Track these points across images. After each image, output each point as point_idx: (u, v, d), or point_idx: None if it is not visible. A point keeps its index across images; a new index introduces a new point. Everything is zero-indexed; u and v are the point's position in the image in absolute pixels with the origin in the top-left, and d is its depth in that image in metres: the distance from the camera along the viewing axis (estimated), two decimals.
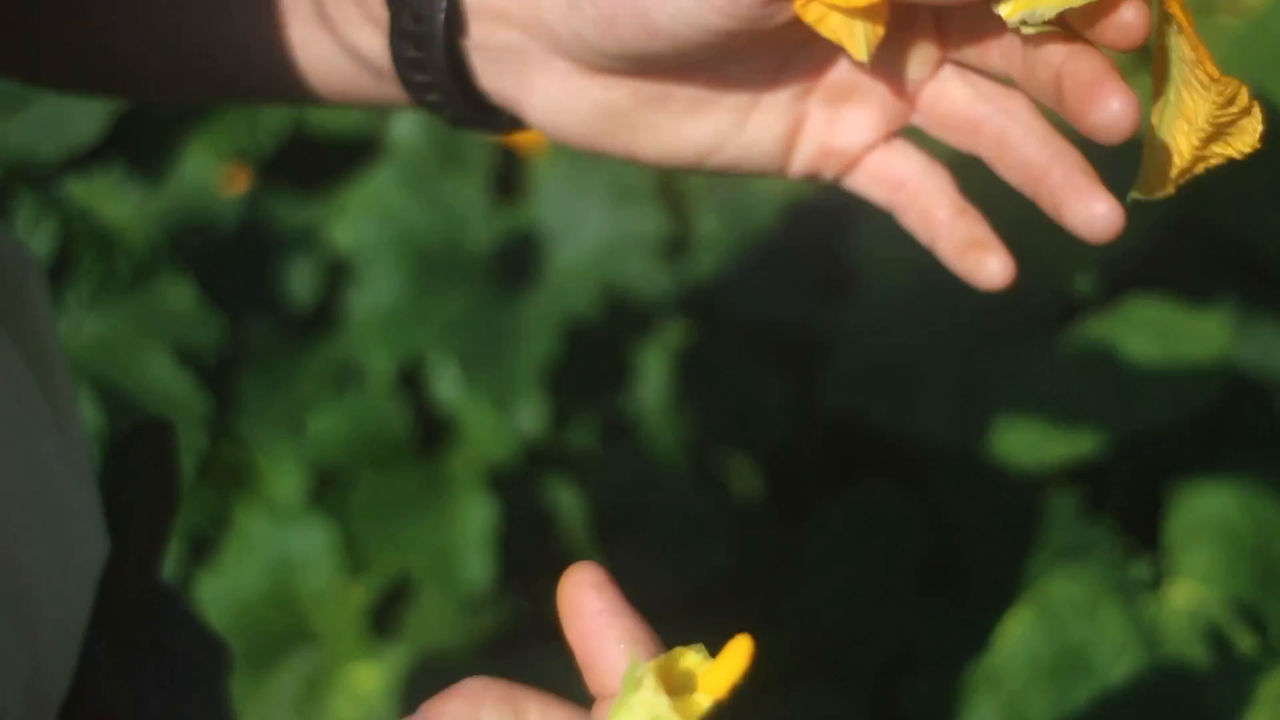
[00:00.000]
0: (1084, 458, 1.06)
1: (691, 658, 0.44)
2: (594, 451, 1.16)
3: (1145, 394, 1.02)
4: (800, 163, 0.56)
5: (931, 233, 0.55)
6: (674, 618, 0.97)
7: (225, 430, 1.11)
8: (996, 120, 0.54)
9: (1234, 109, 0.47)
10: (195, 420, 1.07)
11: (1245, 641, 0.92)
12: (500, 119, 0.57)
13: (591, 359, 1.14)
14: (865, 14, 0.50)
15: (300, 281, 1.20)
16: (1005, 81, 0.54)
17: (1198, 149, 0.49)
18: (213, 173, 1.30)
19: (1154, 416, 0.99)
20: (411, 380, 1.13)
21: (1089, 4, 0.47)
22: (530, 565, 1.10)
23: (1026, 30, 0.49)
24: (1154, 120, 0.50)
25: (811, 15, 0.51)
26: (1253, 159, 1.36)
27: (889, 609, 1.07)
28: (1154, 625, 0.90)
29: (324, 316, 1.18)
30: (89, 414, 1.06)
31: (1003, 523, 1.07)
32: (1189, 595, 0.92)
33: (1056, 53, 0.50)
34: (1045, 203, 0.53)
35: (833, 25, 0.51)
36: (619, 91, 0.55)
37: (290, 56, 0.58)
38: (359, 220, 1.18)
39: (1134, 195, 0.51)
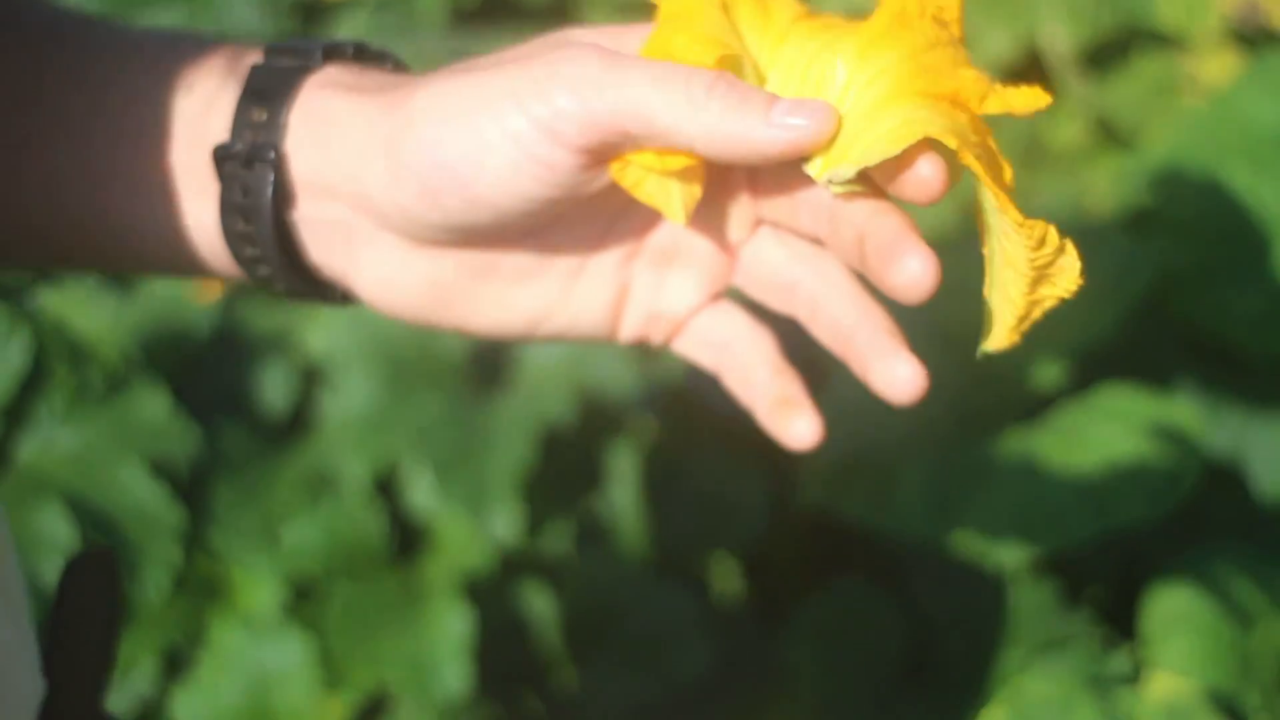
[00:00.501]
0: (1059, 551, 1.06)
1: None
2: (569, 556, 1.15)
3: (1119, 489, 1.02)
4: (629, 329, 0.57)
5: (749, 393, 0.56)
6: None
7: (199, 542, 1.11)
8: (809, 282, 0.55)
9: (1048, 250, 0.48)
10: (169, 534, 1.06)
11: None
12: (333, 292, 0.57)
13: (565, 462, 1.14)
14: (680, 176, 0.51)
15: (274, 389, 1.20)
16: (817, 242, 0.55)
17: (1028, 295, 0.50)
18: (185, 281, 1.30)
19: (1128, 514, 0.99)
20: (386, 488, 1.13)
21: (888, 160, 0.49)
22: (507, 672, 1.10)
23: (835, 189, 0.51)
24: (988, 272, 0.52)
25: (628, 180, 0.52)
26: (1216, 244, 1.37)
27: (867, 709, 1.07)
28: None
29: (298, 423, 1.18)
30: (60, 530, 1.05)
31: (980, 617, 1.07)
32: (1166, 688, 0.92)
33: (859, 212, 0.51)
34: (853, 363, 0.54)
35: (649, 189, 0.52)
36: (446, 264, 0.56)
37: (127, 228, 0.58)
38: (332, 326, 1.19)
39: (983, 348, 0.52)
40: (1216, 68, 1.55)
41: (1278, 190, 1.23)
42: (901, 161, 0.49)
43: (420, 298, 0.56)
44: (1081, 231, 1.25)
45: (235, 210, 0.54)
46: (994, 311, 0.51)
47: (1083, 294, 1.27)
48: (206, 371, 1.21)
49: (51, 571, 1.04)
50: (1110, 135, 1.53)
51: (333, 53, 0.56)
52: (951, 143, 0.48)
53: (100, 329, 1.21)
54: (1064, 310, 1.23)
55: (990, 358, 0.52)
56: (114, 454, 1.10)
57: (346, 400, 1.15)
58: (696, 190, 0.52)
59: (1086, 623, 1.03)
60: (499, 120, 0.50)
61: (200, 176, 0.55)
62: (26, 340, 1.13)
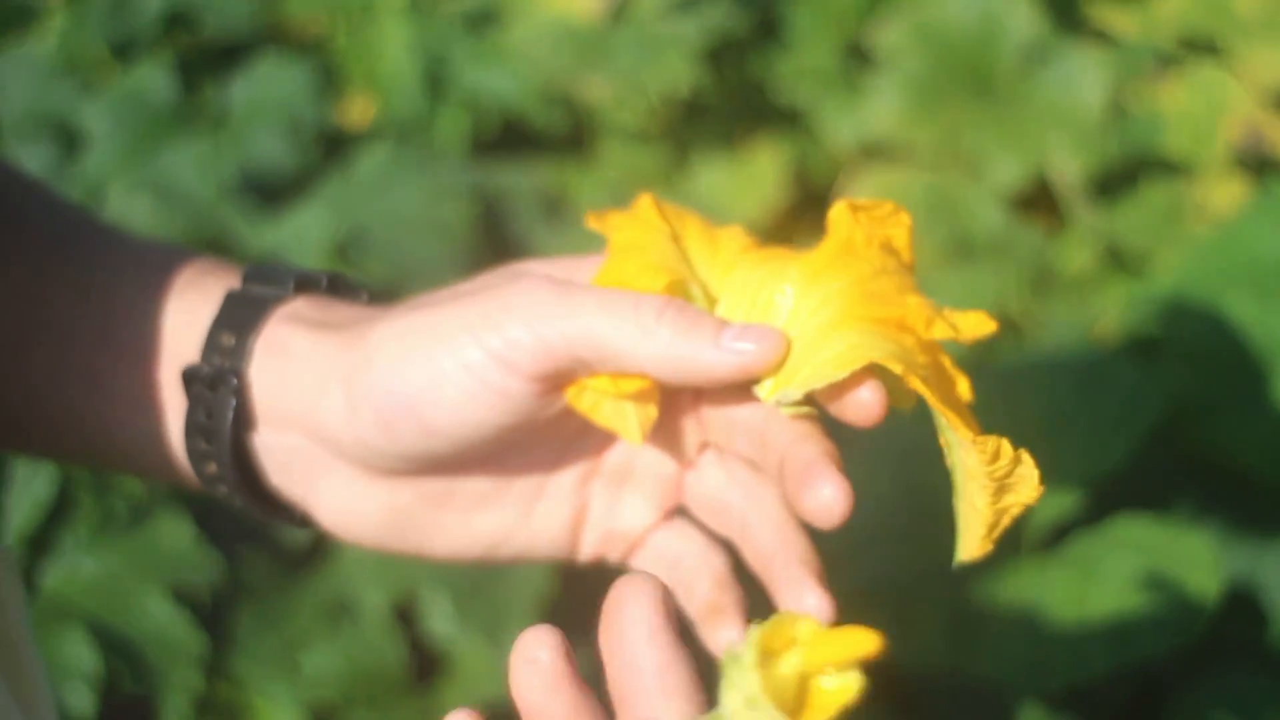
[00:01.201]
0: (1079, 681, 1.06)
1: (803, 627, 0.41)
2: (590, 681, 1.16)
3: (1135, 623, 1.03)
4: (587, 548, 0.58)
5: (689, 604, 0.57)
6: None
7: (221, 669, 1.12)
8: (740, 506, 0.56)
9: (1003, 463, 0.49)
10: (191, 660, 1.07)
11: None
12: (293, 515, 0.58)
13: (586, 589, 1.15)
14: (636, 398, 0.52)
15: None
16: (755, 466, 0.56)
17: (992, 505, 0.50)
18: None
19: (1144, 648, 1.00)
20: (405, 614, 1.13)
21: (831, 384, 0.50)
22: None
23: (785, 410, 0.52)
24: (954, 484, 0.53)
25: (584, 404, 0.53)
26: (1224, 372, 1.38)
27: None
28: None
29: (318, 552, 1.19)
30: (84, 656, 1.06)
31: None
32: None
33: (784, 437, 0.52)
34: (771, 589, 0.55)
35: (606, 413, 0.53)
36: (404, 493, 0.56)
37: (102, 432, 0.59)
38: None
39: (958, 560, 0.53)
40: (1223, 195, 1.57)
41: None
42: (845, 385, 0.50)
43: (379, 525, 0.57)
44: (1091, 362, 1.27)
45: (198, 430, 0.56)
46: (963, 522, 0.52)
47: (1093, 424, 1.29)
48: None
49: (76, 697, 1.04)
50: (1119, 262, 1.55)
51: (306, 283, 0.58)
52: (897, 368, 0.49)
53: None
54: (1076, 440, 1.24)
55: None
56: (137, 581, 1.11)
57: None
58: (652, 411, 0.52)
59: None
60: (455, 353, 0.51)
61: (173, 393, 0.57)
62: (53, 471, 1.15)
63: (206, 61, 1.58)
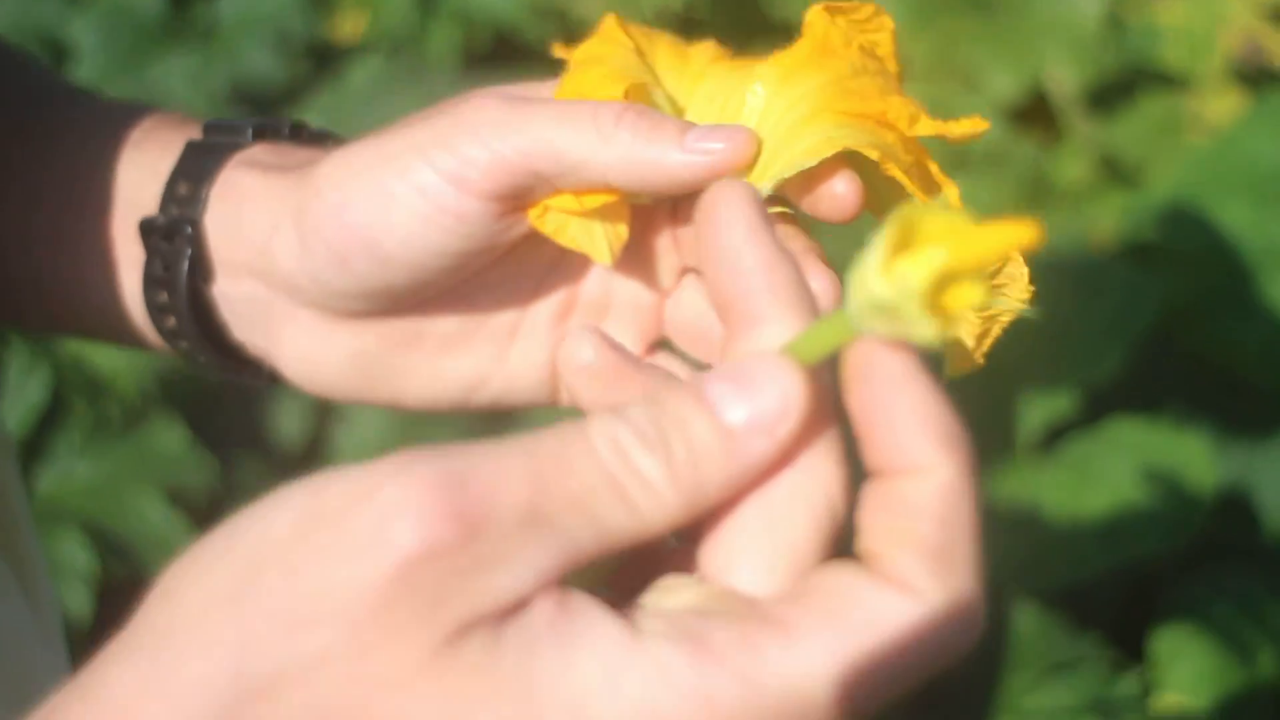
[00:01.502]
0: (1076, 580, 1.07)
1: (944, 219, 0.35)
2: None
3: (1129, 525, 1.03)
4: (568, 390, 0.53)
5: None
6: None
7: None
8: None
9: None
10: None
11: None
12: (259, 372, 0.56)
13: None
14: (602, 215, 0.49)
15: (288, 421, 1.21)
16: None
17: (981, 313, 0.47)
18: None
19: (1138, 549, 1.00)
20: None
21: (805, 177, 0.47)
22: None
23: None
24: None
25: (549, 226, 0.49)
26: (1220, 278, 1.37)
27: None
28: None
29: (312, 454, 1.19)
30: (80, 557, 1.06)
31: (988, 641, 1.07)
32: (1173, 707, 0.92)
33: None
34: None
35: (572, 233, 0.49)
36: (369, 336, 0.54)
37: (65, 292, 0.57)
38: None
39: (948, 376, 0.50)
40: (1221, 107, 1.57)
41: (1276, 226, 1.24)
42: (818, 176, 0.48)
43: (345, 374, 0.54)
44: (1086, 267, 1.27)
45: (156, 282, 0.54)
46: (951, 341, 0.49)
47: (1089, 327, 1.28)
48: (222, 405, 1.22)
49: (74, 598, 1.05)
50: (1115, 173, 1.54)
51: (265, 131, 0.56)
52: (874, 154, 0.47)
53: (118, 364, 1.23)
54: (1072, 344, 1.24)
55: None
56: (131, 485, 1.11)
57: (359, 431, 1.16)
58: (622, 230, 0.49)
59: (1095, 647, 1.03)
60: (404, 175, 0.49)
61: (134, 247, 0.55)
62: (46, 376, 1.14)
63: None
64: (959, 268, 0.34)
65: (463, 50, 1.53)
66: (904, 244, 0.35)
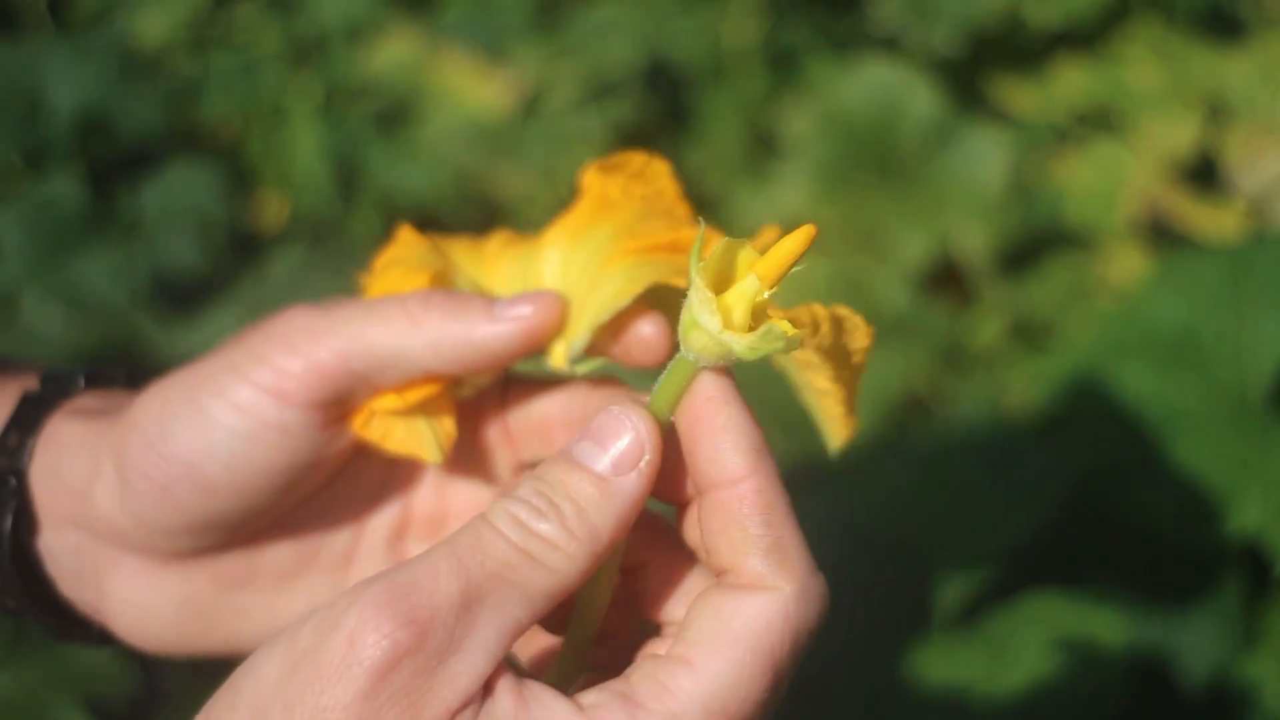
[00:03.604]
0: None
1: (745, 254, 0.41)
2: None
3: (1046, 706, 1.04)
4: None
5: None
6: None
7: None
8: None
9: (825, 328, 0.47)
10: None
11: None
12: (89, 631, 0.54)
13: None
14: (426, 409, 0.48)
15: None
16: None
17: (836, 376, 0.49)
18: None
19: None
20: None
21: (615, 325, 0.49)
22: None
23: (580, 370, 0.50)
24: (794, 382, 0.51)
25: (375, 433, 0.49)
26: (1128, 444, 1.39)
27: None
28: None
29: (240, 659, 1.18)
30: None
31: None
32: None
33: (593, 406, 0.50)
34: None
35: (398, 436, 0.49)
36: (200, 578, 0.52)
37: None
38: None
39: (833, 450, 0.52)
40: (1124, 267, 1.61)
41: (1181, 389, 1.27)
42: (623, 324, 0.48)
43: (177, 622, 0.52)
44: (999, 440, 1.29)
45: None
46: (820, 414, 0.50)
47: (1003, 500, 1.30)
48: None
49: None
50: (1026, 336, 1.58)
51: (99, 379, 0.55)
52: (680, 281, 0.47)
53: None
54: (985, 516, 1.26)
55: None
56: (53, 696, 1.10)
57: None
58: (449, 425, 0.49)
59: None
60: (220, 394, 0.48)
61: None
62: None
63: (119, 168, 1.59)
64: (767, 283, 0.41)
65: (384, 234, 1.55)
66: (718, 283, 0.41)
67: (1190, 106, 1.67)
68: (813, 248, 0.40)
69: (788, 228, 0.49)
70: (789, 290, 0.51)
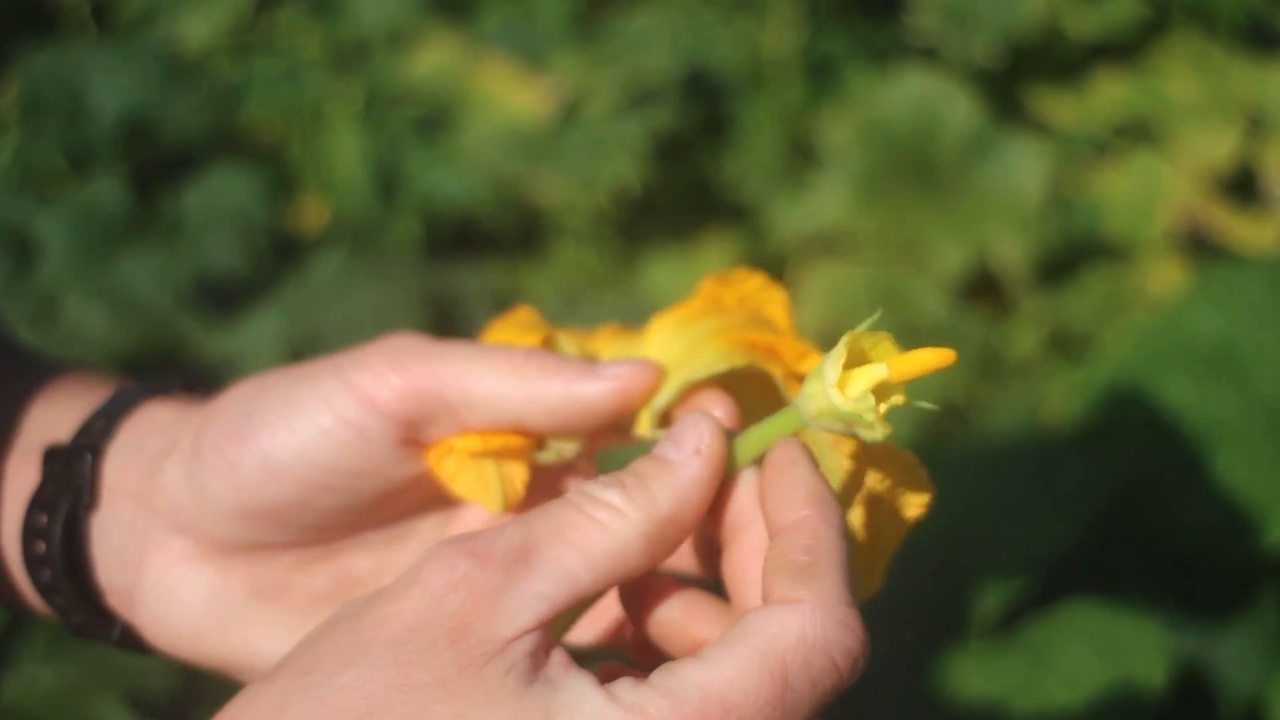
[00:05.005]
0: None
1: (885, 344, 0.44)
2: None
3: (1088, 712, 1.04)
4: None
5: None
6: None
7: None
8: None
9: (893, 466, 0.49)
10: None
11: None
12: (110, 625, 0.54)
13: None
14: (504, 455, 0.49)
15: None
16: None
17: (886, 532, 0.50)
18: None
19: None
20: None
21: (691, 398, 0.50)
22: None
23: (660, 437, 0.50)
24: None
25: (446, 470, 0.49)
26: (1167, 455, 1.38)
27: None
28: None
29: None
30: None
31: None
32: None
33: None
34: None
35: (468, 480, 0.49)
36: (235, 578, 0.52)
37: None
38: None
39: (861, 598, 0.52)
40: (1162, 279, 1.61)
41: (1220, 402, 1.27)
42: (695, 401, 0.49)
43: (200, 615, 0.52)
44: (1038, 449, 1.29)
45: (39, 504, 0.53)
46: (855, 564, 0.50)
47: (1041, 510, 1.30)
48: None
49: None
50: (1063, 347, 1.58)
51: (195, 387, 0.56)
52: (776, 371, 0.48)
53: None
54: (1024, 525, 1.26)
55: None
56: (94, 691, 1.11)
57: None
58: (519, 480, 0.49)
59: None
60: (316, 387, 0.49)
61: (25, 482, 0.54)
62: None
63: (161, 171, 1.60)
64: (895, 380, 0.43)
65: (423, 239, 1.56)
66: (852, 363, 0.43)
67: (1230, 119, 1.67)
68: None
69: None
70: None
